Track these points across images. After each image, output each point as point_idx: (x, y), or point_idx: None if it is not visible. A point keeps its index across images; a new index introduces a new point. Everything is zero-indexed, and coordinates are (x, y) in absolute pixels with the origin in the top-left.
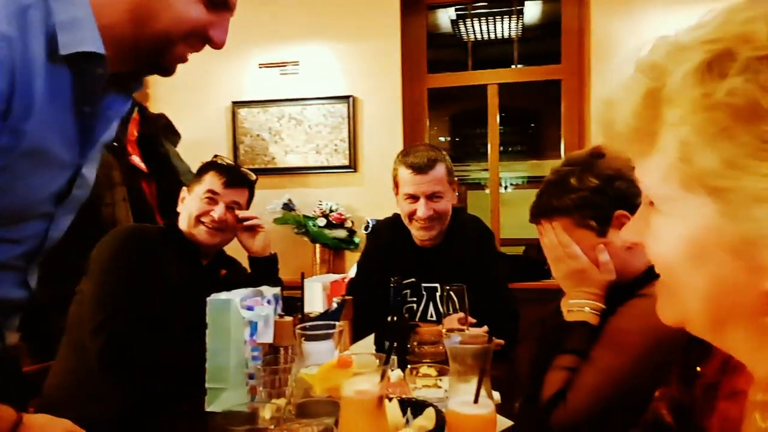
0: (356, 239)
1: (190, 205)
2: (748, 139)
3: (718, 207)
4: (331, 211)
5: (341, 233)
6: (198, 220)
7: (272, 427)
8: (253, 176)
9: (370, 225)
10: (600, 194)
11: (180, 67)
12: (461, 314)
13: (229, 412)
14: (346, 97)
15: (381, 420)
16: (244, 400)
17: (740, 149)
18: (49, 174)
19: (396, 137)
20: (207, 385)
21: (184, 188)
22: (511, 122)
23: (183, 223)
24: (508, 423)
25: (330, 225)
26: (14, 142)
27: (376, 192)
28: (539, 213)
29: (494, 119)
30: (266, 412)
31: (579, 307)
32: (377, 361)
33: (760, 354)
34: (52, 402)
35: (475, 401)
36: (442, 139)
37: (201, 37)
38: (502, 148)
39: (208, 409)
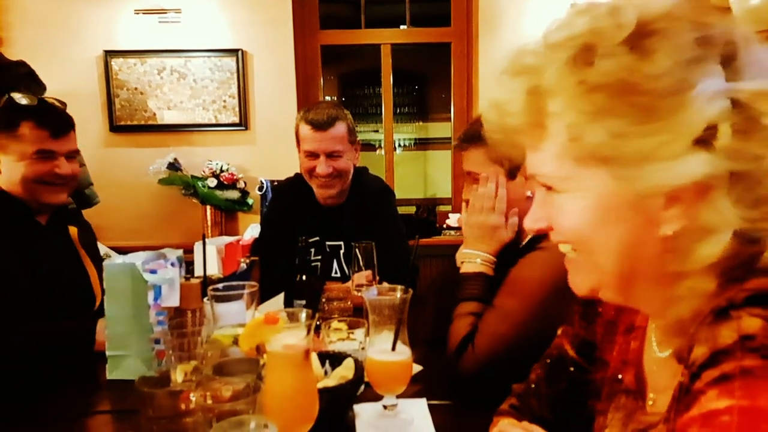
0: (249, 200)
1: (14, 168)
2: (625, 110)
3: (612, 173)
4: (222, 171)
5: (234, 194)
6: (37, 180)
7: (193, 388)
8: (64, 106)
9: (265, 185)
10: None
11: (44, 10)
12: (369, 271)
13: (142, 378)
14: (235, 51)
15: (308, 372)
16: (149, 365)
17: (620, 120)
18: None
19: (290, 95)
20: (107, 353)
21: None
22: (400, 84)
23: (8, 186)
24: (418, 368)
25: (221, 186)
26: None
27: (269, 151)
28: (465, 139)
29: (387, 79)
30: (178, 376)
31: (471, 258)
32: (304, 315)
33: (669, 306)
34: None
35: (393, 349)
36: (329, 98)
37: None
38: (398, 111)
39: (110, 377)
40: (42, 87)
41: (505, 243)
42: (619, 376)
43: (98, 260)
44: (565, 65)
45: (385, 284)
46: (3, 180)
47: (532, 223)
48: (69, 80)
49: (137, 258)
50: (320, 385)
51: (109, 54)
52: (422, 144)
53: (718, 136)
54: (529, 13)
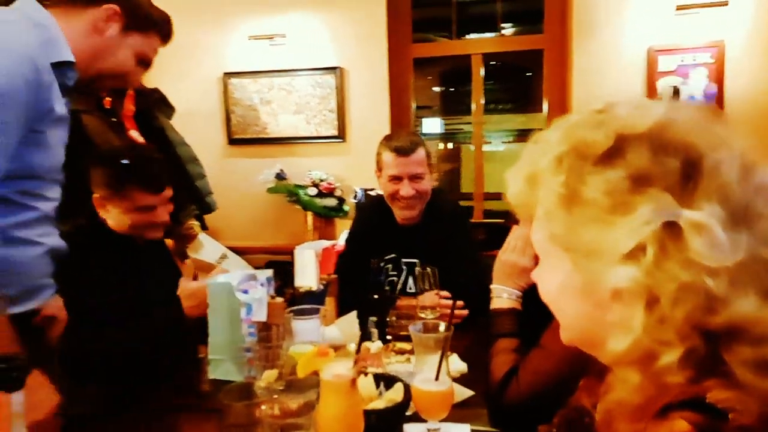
0: (345, 207)
1: (121, 218)
2: (577, 213)
3: (570, 260)
4: (321, 180)
5: (331, 202)
6: (140, 227)
7: (264, 399)
8: (155, 151)
9: (358, 194)
10: None
11: (176, 39)
12: (435, 292)
13: (231, 387)
14: (334, 68)
15: (354, 397)
16: (242, 370)
17: (575, 219)
18: (62, 143)
19: (383, 107)
20: (210, 357)
21: (97, 196)
22: (500, 76)
23: (116, 227)
24: (469, 393)
25: (320, 194)
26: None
27: (363, 161)
28: None
29: (479, 85)
30: (261, 382)
31: (498, 293)
32: (351, 349)
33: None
34: None
35: (436, 378)
36: (435, 89)
37: (133, 79)
38: (492, 106)
39: (212, 377)
40: (171, 109)
41: (533, 283)
42: None
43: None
44: (550, 164)
45: (426, 319)
46: (111, 223)
47: (534, 276)
48: (194, 99)
49: (235, 278)
50: (371, 405)
51: (227, 75)
52: (523, 136)
53: (646, 254)
54: (628, 17)
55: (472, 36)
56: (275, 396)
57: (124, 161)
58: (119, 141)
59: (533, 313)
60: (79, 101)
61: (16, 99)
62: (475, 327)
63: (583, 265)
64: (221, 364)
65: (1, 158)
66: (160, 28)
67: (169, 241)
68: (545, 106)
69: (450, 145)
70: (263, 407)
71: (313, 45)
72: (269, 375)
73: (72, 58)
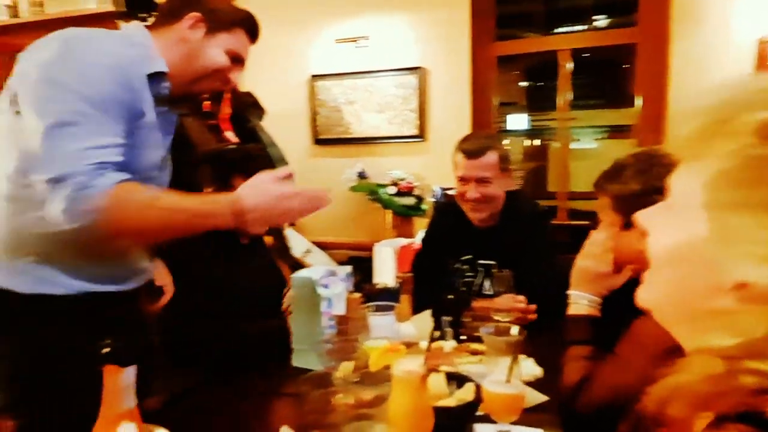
0: (424, 206)
1: None
2: (756, 196)
3: (710, 231)
4: (400, 179)
5: (410, 201)
6: None
7: (340, 389)
8: (263, 150)
9: (437, 193)
10: (636, 199)
11: (266, 44)
12: (511, 294)
13: (309, 376)
14: (416, 68)
15: (423, 394)
16: (322, 360)
17: (749, 198)
18: (156, 144)
19: (464, 106)
20: (293, 346)
21: (207, 190)
22: (590, 69)
23: None
24: (543, 398)
25: (399, 193)
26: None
27: (442, 160)
28: (596, 184)
29: (565, 80)
30: (338, 373)
31: (576, 299)
32: (423, 347)
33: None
34: None
35: (507, 381)
36: (521, 83)
37: (222, 79)
38: (582, 102)
39: (295, 365)
40: (263, 111)
41: (613, 289)
42: None
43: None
44: (760, 125)
45: (501, 322)
46: None
47: (640, 218)
48: (283, 101)
49: (317, 273)
50: (441, 402)
51: (314, 78)
52: (618, 131)
53: None
54: (735, 6)
55: (560, 30)
56: (350, 387)
57: (230, 156)
58: (216, 142)
59: (611, 322)
60: (182, 106)
61: (113, 105)
62: (552, 332)
63: (722, 245)
64: (303, 354)
65: (118, 154)
66: (244, 23)
67: (268, 239)
68: (638, 101)
69: (537, 142)
70: (339, 396)
71: (396, 46)
72: (346, 367)
73: (164, 69)
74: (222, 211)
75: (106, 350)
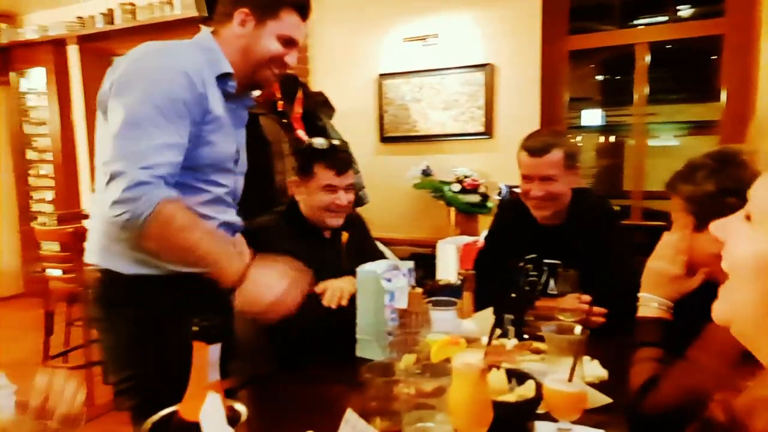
0: (489, 204)
1: (309, 198)
2: None
3: None
4: (465, 177)
5: (474, 198)
6: (324, 209)
7: (402, 379)
8: (347, 146)
9: (503, 191)
10: (710, 200)
11: (336, 44)
12: (576, 295)
13: (373, 364)
14: (484, 65)
15: (482, 388)
16: (385, 351)
17: None
18: (227, 139)
19: (533, 103)
20: (357, 336)
21: (294, 179)
22: (670, 62)
23: (305, 211)
24: (607, 400)
25: (464, 191)
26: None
27: (509, 158)
28: (668, 184)
29: (642, 75)
30: (401, 364)
31: (648, 302)
32: (483, 342)
33: None
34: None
35: (569, 380)
36: (598, 77)
37: (280, 64)
38: (661, 96)
39: (359, 354)
40: (332, 110)
41: (685, 293)
42: None
43: (370, 250)
44: None
45: (565, 321)
46: (302, 207)
47: (715, 230)
48: (352, 99)
49: (380, 267)
50: (501, 398)
51: (382, 76)
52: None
53: None
54: None
55: (639, 21)
56: (412, 377)
57: (317, 141)
58: (289, 139)
59: (682, 325)
60: (258, 105)
61: (181, 107)
62: (619, 334)
63: None
64: (367, 344)
65: (177, 150)
66: (290, 3)
67: (345, 234)
68: (723, 95)
69: (612, 138)
70: (401, 385)
71: (464, 43)
72: (408, 358)
73: (230, 70)
74: (227, 272)
75: (195, 328)
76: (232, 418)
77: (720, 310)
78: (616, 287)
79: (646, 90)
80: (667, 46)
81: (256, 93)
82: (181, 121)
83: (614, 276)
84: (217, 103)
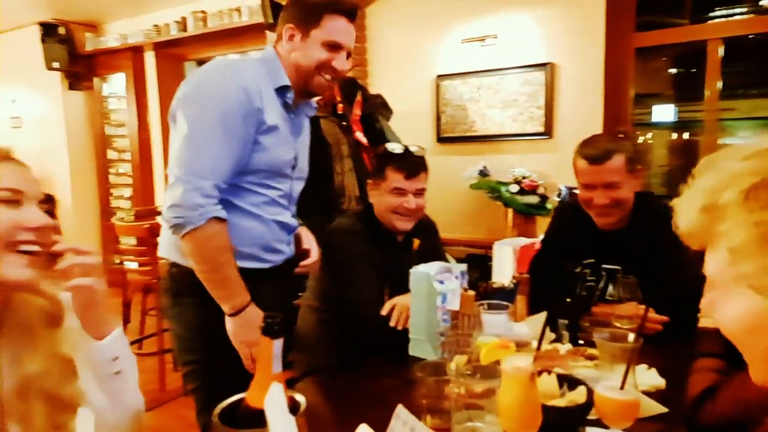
0: (548, 205)
1: (380, 200)
2: None
3: (761, 297)
4: (524, 177)
5: (533, 199)
6: (392, 211)
7: (453, 379)
8: (423, 152)
9: (563, 192)
10: None
11: (394, 47)
12: (635, 302)
13: (425, 363)
14: (545, 65)
15: (531, 391)
16: (437, 351)
17: None
18: (284, 147)
19: (596, 102)
20: (411, 336)
21: (369, 181)
22: (749, 54)
23: (377, 213)
24: (662, 409)
25: (522, 191)
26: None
27: (569, 158)
28: None
29: (715, 69)
30: (452, 364)
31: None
32: (533, 345)
33: None
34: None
35: (621, 387)
36: (671, 70)
37: (329, 69)
38: (741, 91)
39: (411, 353)
40: (390, 111)
41: None
42: None
43: (440, 259)
44: (740, 195)
45: (621, 329)
46: (375, 209)
47: (705, 305)
48: (409, 101)
49: (433, 268)
50: (551, 402)
51: (440, 77)
52: None
53: None
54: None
55: (713, 14)
56: (463, 378)
57: (391, 146)
58: (348, 141)
59: None
60: (319, 108)
61: (235, 118)
62: (679, 343)
63: None
64: (420, 344)
65: (231, 160)
66: (330, 8)
67: (416, 241)
68: None
69: (686, 135)
70: (451, 385)
71: (524, 43)
72: (459, 359)
73: (287, 82)
74: (230, 301)
75: (260, 324)
76: (293, 407)
77: (751, 372)
78: (678, 295)
79: (719, 85)
80: (749, 36)
81: (317, 98)
82: (236, 134)
83: (676, 283)
84: (274, 114)
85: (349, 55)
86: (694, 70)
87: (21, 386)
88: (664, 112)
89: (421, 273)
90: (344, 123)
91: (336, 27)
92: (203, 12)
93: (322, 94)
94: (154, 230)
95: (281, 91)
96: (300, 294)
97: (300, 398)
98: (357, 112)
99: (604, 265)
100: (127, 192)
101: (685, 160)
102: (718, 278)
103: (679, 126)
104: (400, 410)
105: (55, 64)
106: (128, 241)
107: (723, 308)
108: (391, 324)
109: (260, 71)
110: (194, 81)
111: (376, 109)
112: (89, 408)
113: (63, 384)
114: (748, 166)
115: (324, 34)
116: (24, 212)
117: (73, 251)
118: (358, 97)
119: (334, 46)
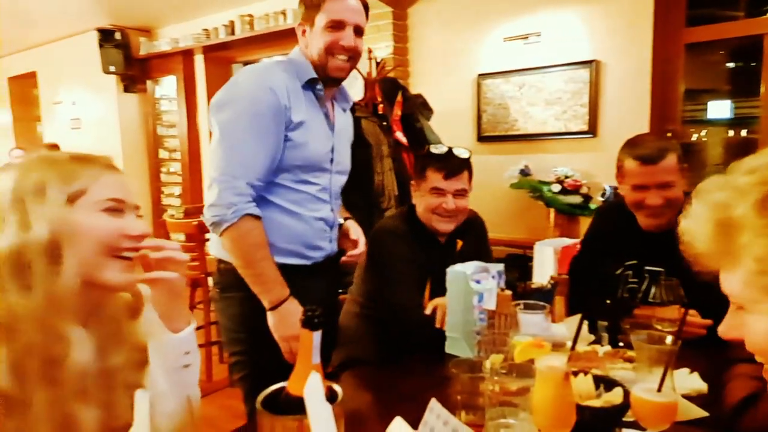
0: (591, 205)
1: (421, 200)
2: None
3: None
4: (566, 177)
5: (575, 199)
6: (432, 212)
7: (488, 377)
8: (467, 153)
9: (607, 191)
10: None
11: (435, 46)
12: (678, 305)
13: (460, 360)
14: (590, 62)
15: (566, 391)
16: (473, 349)
17: None
18: (319, 141)
19: (642, 100)
20: (447, 334)
21: (412, 182)
22: None
23: (419, 213)
24: (702, 413)
25: (564, 191)
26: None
27: (614, 157)
28: None
29: None
30: (487, 362)
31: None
32: (567, 345)
33: None
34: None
35: (659, 390)
36: (729, 64)
37: (338, 49)
38: None
39: (448, 351)
40: (430, 111)
41: None
42: None
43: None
44: (755, 205)
45: (662, 332)
46: (417, 210)
47: (725, 331)
48: (451, 100)
49: (470, 268)
50: (587, 402)
51: (481, 76)
52: None
53: None
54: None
55: None
56: (498, 376)
57: (434, 147)
58: (388, 141)
59: None
60: (360, 109)
61: (265, 118)
62: (724, 347)
63: None
64: (456, 342)
65: (263, 158)
66: None
67: (459, 242)
68: None
69: (743, 133)
70: (486, 382)
71: (568, 40)
72: (495, 358)
73: (314, 75)
74: (268, 296)
75: (301, 317)
76: (331, 397)
77: None
78: (722, 298)
79: None
80: None
81: (358, 97)
82: (267, 133)
83: (720, 287)
84: (302, 110)
85: (359, 33)
86: (754, 63)
87: (106, 376)
88: (719, 109)
89: (457, 272)
90: (384, 123)
91: (335, 7)
92: (250, 16)
93: (344, 77)
94: (202, 227)
95: (310, 84)
96: (341, 291)
97: (337, 388)
98: (397, 112)
99: (647, 267)
100: (177, 190)
101: (742, 158)
102: (743, 294)
103: (735, 123)
104: (434, 404)
105: (112, 68)
106: (178, 237)
107: (754, 329)
108: (437, 326)
109: (287, 70)
110: (225, 88)
111: (417, 108)
112: (147, 393)
113: (141, 372)
114: (756, 178)
115: (325, 16)
116: (127, 221)
117: (162, 247)
118: (399, 97)
119: (337, 26)
